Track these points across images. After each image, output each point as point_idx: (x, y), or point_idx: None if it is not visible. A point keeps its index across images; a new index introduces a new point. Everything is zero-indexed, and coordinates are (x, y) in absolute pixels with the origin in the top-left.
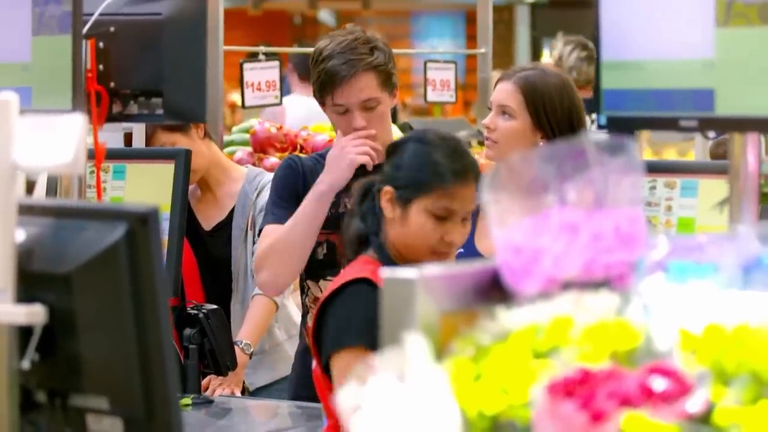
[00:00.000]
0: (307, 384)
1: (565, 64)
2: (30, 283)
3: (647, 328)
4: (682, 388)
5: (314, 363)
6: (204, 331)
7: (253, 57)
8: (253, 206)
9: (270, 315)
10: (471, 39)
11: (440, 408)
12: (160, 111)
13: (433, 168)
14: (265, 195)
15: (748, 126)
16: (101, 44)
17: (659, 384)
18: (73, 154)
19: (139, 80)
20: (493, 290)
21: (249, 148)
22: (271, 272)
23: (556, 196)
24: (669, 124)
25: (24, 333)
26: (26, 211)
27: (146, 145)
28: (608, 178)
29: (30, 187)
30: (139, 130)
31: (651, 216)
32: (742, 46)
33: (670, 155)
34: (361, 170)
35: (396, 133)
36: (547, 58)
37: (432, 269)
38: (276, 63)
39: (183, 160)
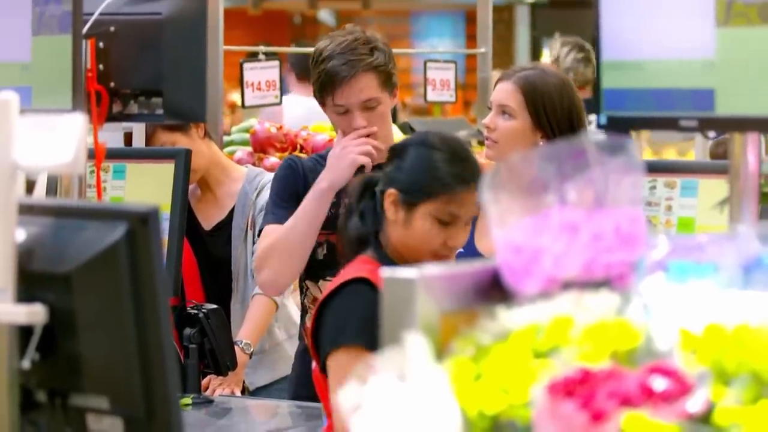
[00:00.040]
0: (307, 384)
1: (561, 65)
2: (30, 283)
3: (647, 327)
4: (682, 388)
5: (314, 363)
6: (204, 331)
7: (253, 57)
8: (253, 206)
9: (270, 315)
10: (471, 39)
11: (440, 408)
12: (160, 111)
13: (440, 174)
14: (265, 195)
15: (748, 126)
16: (101, 44)
17: (659, 384)
18: (74, 153)
19: (139, 80)
20: (494, 290)
21: (249, 148)
22: (271, 272)
23: (557, 195)
24: (669, 124)
25: (24, 332)
26: (26, 210)
27: (146, 145)
28: (608, 178)
29: (30, 186)
30: (139, 130)
31: (651, 216)
32: (743, 45)
33: (670, 155)
34: (361, 170)
35: (396, 133)
36: (546, 58)
37: (432, 269)
38: (276, 63)
39: (183, 159)
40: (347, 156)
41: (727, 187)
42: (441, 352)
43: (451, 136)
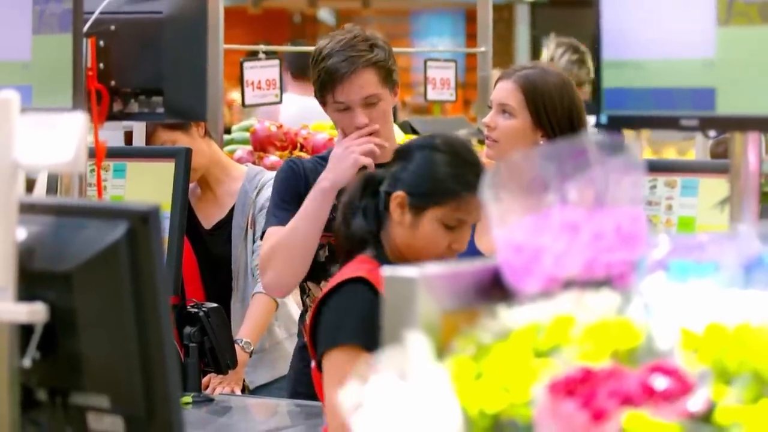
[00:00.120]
0: (305, 381)
1: (556, 66)
2: (31, 282)
3: (648, 327)
4: (683, 387)
5: (313, 361)
6: (204, 330)
7: (253, 56)
8: (253, 205)
9: (270, 313)
10: (471, 37)
11: (441, 407)
12: (160, 109)
13: (451, 181)
14: (265, 193)
15: (748, 125)
16: (102, 43)
17: (660, 383)
18: (74, 152)
19: (140, 79)
20: (494, 289)
21: (249, 147)
22: (276, 274)
23: (557, 195)
24: (670, 124)
25: (25, 331)
26: (27, 209)
27: (147, 143)
28: (609, 177)
29: (30, 185)
30: (139, 129)
31: (651, 215)
32: (743, 45)
33: (670, 154)
34: (364, 170)
35: (396, 132)
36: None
37: (433, 268)
38: (276, 61)
39: (183, 158)
40: (349, 156)
41: (727, 187)
42: (442, 351)
43: (458, 140)
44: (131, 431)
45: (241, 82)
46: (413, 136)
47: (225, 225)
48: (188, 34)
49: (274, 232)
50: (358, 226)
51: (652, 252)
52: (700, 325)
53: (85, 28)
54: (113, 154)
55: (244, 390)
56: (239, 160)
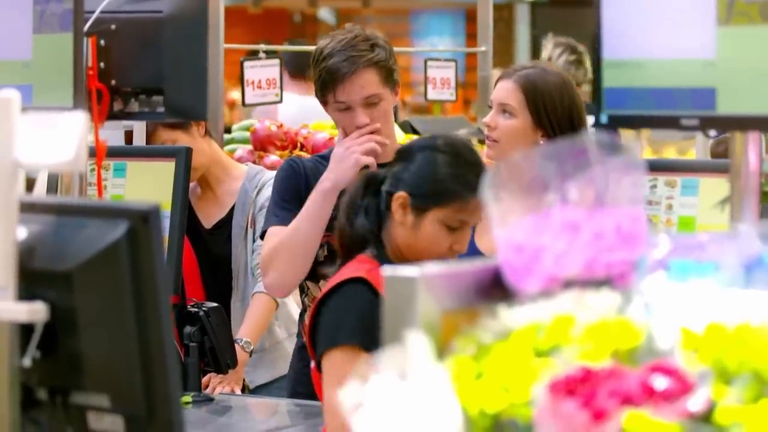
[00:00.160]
0: (305, 381)
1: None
2: (31, 281)
3: (649, 326)
4: (683, 387)
5: (312, 361)
6: (204, 329)
7: (253, 55)
8: (253, 204)
9: (270, 313)
10: (471, 37)
11: (441, 406)
12: (161, 109)
13: (454, 182)
14: (265, 193)
15: (749, 125)
16: (102, 42)
17: (661, 383)
18: (75, 151)
19: (140, 78)
20: (495, 289)
21: (249, 146)
22: (278, 274)
23: (558, 194)
24: (670, 123)
25: (25, 330)
26: (27, 208)
27: (147, 142)
28: (609, 177)
29: (30, 184)
30: (139, 128)
31: (652, 215)
32: (744, 44)
33: (670, 154)
34: (365, 169)
35: (397, 132)
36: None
37: (433, 268)
38: (276, 61)
39: (183, 158)
40: (350, 156)
41: (728, 186)
42: (442, 350)
43: (460, 140)
44: (131, 431)
45: (241, 81)
46: (413, 136)
47: (225, 224)
48: (189, 34)
49: (276, 232)
50: (361, 225)
51: (653, 252)
52: (700, 324)
53: (86, 28)
54: (113, 153)
55: (244, 389)
56: (239, 160)
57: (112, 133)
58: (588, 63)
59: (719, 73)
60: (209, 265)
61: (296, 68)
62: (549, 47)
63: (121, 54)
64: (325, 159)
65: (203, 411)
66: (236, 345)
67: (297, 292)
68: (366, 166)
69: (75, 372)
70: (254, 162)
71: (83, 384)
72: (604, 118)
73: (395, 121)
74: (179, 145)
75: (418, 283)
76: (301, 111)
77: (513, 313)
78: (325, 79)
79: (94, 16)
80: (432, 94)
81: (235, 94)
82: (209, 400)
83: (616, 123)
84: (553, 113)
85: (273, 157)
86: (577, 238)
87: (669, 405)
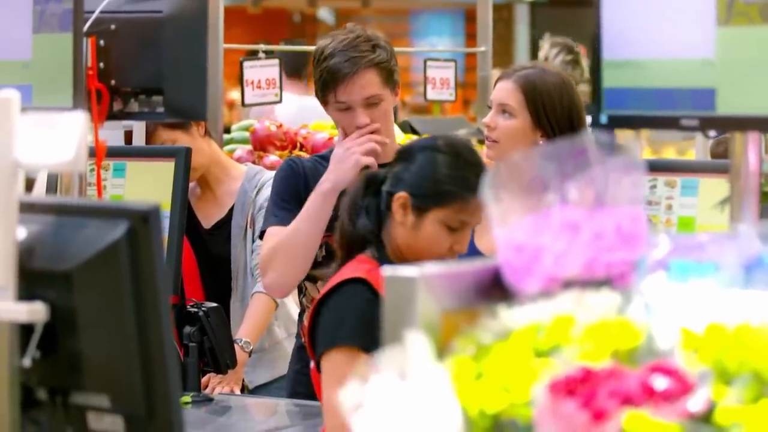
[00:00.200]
0: (304, 381)
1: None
2: (31, 281)
3: (649, 326)
4: (683, 387)
5: (312, 362)
6: (204, 329)
7: (252, 55)
8: (252, 204)
9: (269, 313)
10: (470, 37)
11: (441, 407)
12: (160, 109)
13: (454, 183)
14: (265, 193)
15: (749, 125)
16: (102, 42)
17: (661, 383)
18: (75, 151)
19: (140, 78)
20: (495, 289)
21: (249, 146)
22: (277, 274)
23: (558, 194)
24: (670, 124)
25: (25, 331)
26: (27, 208)
27: (147, 142)
28: (609, 177)
29: (29, 184)
30: (139, 128)
31: (651, 215)
32: (744, 45)
33: (669, 154)
34: (366, 169)
35: (396, 132)
36: None
37: (433, 268)
38: (276, 61)
39: (183, 158)
40: (350, 157)
41: (727, 187)
42: (442, 350)
43: (461, 141)
44: (131, 431)
45: (240, 81)
46: (413, 136)
47: (224, 225)
48: (188, 34)
49: (275, 233)
50: (362, 226)
51: (653, 252)
52: (700, 325)
53: (86, 28)
54: (113, 153)
55: (244, 390)
56: (239, 160)
57: (112, 133)
58: (584, 63)
59: (719, 73)
60: (209, 266)
61: (292, 68)
62: (545, 47)
63: (121, 54)
64: (325, 159)
65: (203, 411)
66: (236, 345)
67: (296, 292)
68: (366, 167)
69: (75, 372)
70: (254, 162)
71: (83, 384)
72: (603, 119)
73: (395, 121)
74: (179, 145)
75: (418, 283)
76: (299, 111)
77: (513, 313)
78: (326, 79)
79: (94, 16)
80: (431, 95)
81: (234, 94)
82: (209, 400)
83: (615, 123)
84: (553, 113)
85: (272, 157)
86: (577, 238)
87: (669, 405)
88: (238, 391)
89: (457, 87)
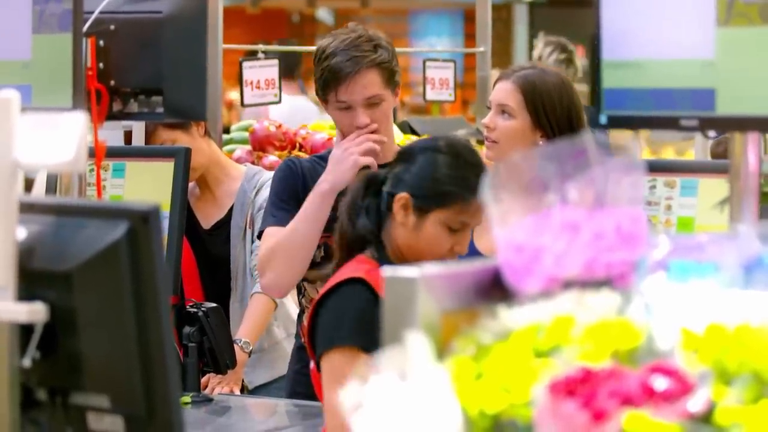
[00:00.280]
0: (303, 381)
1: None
2: (31, 281)
3: (649, 327)
4: (683, 388)
5: (312, 362)
6: (203, 330)
7: (252, 55)
8: (251, 204)
9: (269, 313)
10: (469, 37)
11: (441, 407)
12: (160, 109)
13: (453, 183)
14: (264, 193)
15: (748, 125)
16: (101, 42)
17: (661, 383)
18: (74, 152)
19: (140, 78)
20: (495, 289)
21: (248, 147)
22: (275, 275)
23: (557, 195)
24: (670, 124)
25: (25, 331)
26: (27, 209)
27: (147, 142)
28: (609, 177)
29: (29, 184)
30: (139, 129)
31: (651, 215)
32: (743, 45)
33: (668, 154)
34: (366, 169)
35: (396, 133)
36: None
37: (433, 268)
38: (275, 61)
39: (183, 158)
40: (348, 158)
41: (727, 187)
42: (442, 351)
43: (461, 142)
44: (131, 431)
45: (240, 81)
46: (412, 136)
47: (224, 225)
48: (188, 34)
49: (273, 233)
50: (362, 226)
51: (653, 252)
52: (700, 325)
53: (85, 28)
54: (113, 153)
55: (243, 390)
56: (238, 160)
57: (112, 134)
58: (578, 62)
59: (719, 73)
60: (208, 266)
61: (285, 68)
62: (540, 46)
63: (121, 54)
64: (323, 160)
65: (202, 411)
66: (235, 345)
67: (295, 292)
68: (366, 167)
69: (75, 372)
70: (253, 162)
71: (83, 384)
72: (603, 119)
73: (394, 121)
74: (178, 146)
75: (418, 283)
76: (291, 111)
77: (513, 313)
78: (327, 78)
79: (94, 16)
80: (431, 95)
81: (233, 95)
82: (208, 400)
83: (615, 124)
84: (552, 114)
85: (272, 158)
86: (577, 239)
87: (669, 405)
88: (237, 392)
89: (456, 87)
